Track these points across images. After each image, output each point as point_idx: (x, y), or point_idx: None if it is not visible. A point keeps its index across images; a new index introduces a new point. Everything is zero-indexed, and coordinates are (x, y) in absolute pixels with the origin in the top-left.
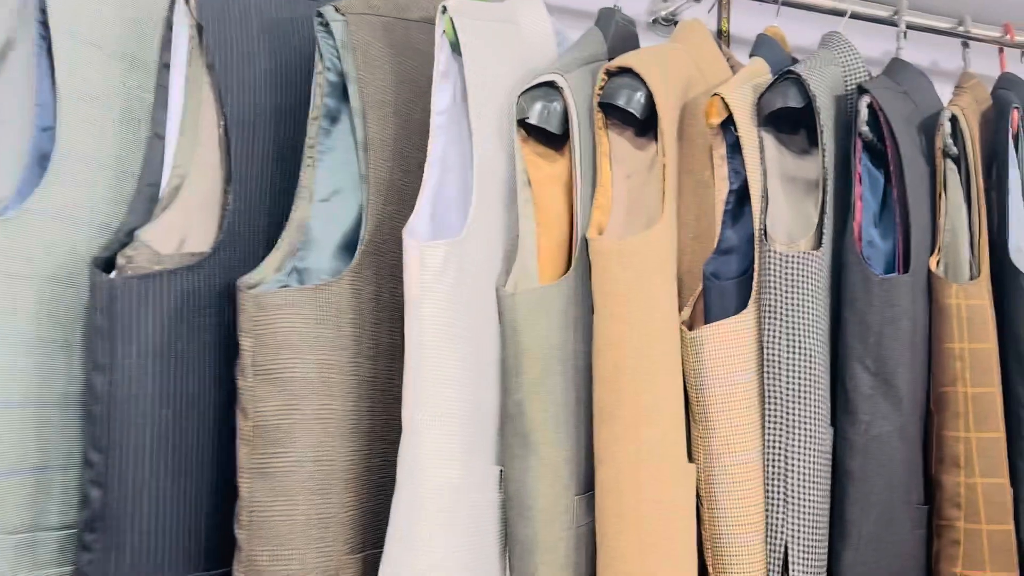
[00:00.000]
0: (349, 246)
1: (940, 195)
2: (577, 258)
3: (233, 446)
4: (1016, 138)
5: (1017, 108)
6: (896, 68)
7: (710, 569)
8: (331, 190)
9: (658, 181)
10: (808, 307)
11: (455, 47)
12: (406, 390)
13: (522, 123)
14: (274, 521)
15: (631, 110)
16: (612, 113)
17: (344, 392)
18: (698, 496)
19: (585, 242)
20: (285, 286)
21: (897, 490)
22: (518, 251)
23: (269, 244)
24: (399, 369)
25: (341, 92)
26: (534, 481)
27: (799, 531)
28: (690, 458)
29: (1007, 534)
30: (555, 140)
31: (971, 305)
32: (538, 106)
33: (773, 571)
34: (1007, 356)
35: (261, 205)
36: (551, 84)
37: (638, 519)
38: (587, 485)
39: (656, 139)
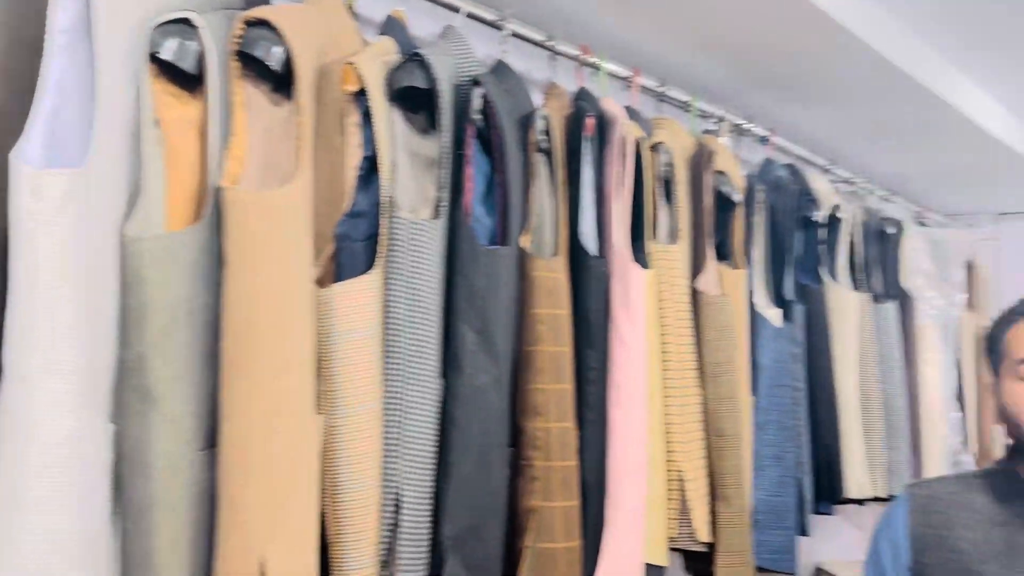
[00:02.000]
0: None
1: (532, 183)
2: (209, 207)
3: None
4: (590, 141)
5: (592, 116)
6: (501, 69)
7: (327, 516)
8: None
9: (295, 138)
10: (428, 271)
11: None
12: (10, 332)
13: (155, 58)
14: None
15: (269, 63)
16: (249, 64)
17: None
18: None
19: (219, 191)
20: None
21: (492, 435)
22: (142, 194)
23: None
24: None
25: None
26: (155, 437)
27: (411, 475)
28: (318, 410)
29: (572, 469)
30: (191, 81)
31: (552, 277)
32: (173, 42)
33: (386, 513)
34: (576, 321)
35: None
36: (187, 22)
37: (266, 471)
38: (212, 440)
39: (292, 97)
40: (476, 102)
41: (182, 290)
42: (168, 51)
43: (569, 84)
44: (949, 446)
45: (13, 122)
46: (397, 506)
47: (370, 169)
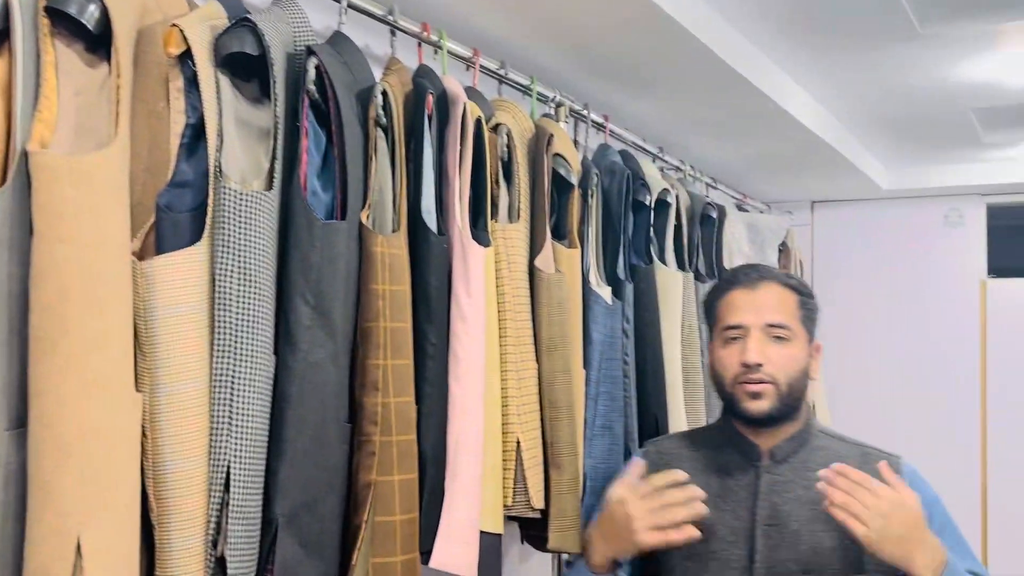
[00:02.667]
0: None
1: (372, 158)
2: (15, 172)
3: None
4: (430, 119)
5: (432, 94)
6: (338, 40)
7: (151, 497)
8: None
9: (111, 103)
10: (259, 243)
11: None
12: None
13: None
14: None
15: (84, 21)
16: (61, 22)
17: None
18: (143, 425)
19: (25, 155)
20: None
21: (329, 411)
22: None
23: None
24: None
25: None
26: None
27: (240, 452)
28: (137, 388)
29: (411, 443)
30: None
31: (392, 254)
32: None
33: (215, 492)
34: (416, 297)
35: None
36: None
37: (81, 451)
38: (20, 420)
39: (109, 58)
40: (311, 72)
41: None
42: None
43: (410, 61)
44: None
45: None
46: (227, 484)
47: (195, 137)
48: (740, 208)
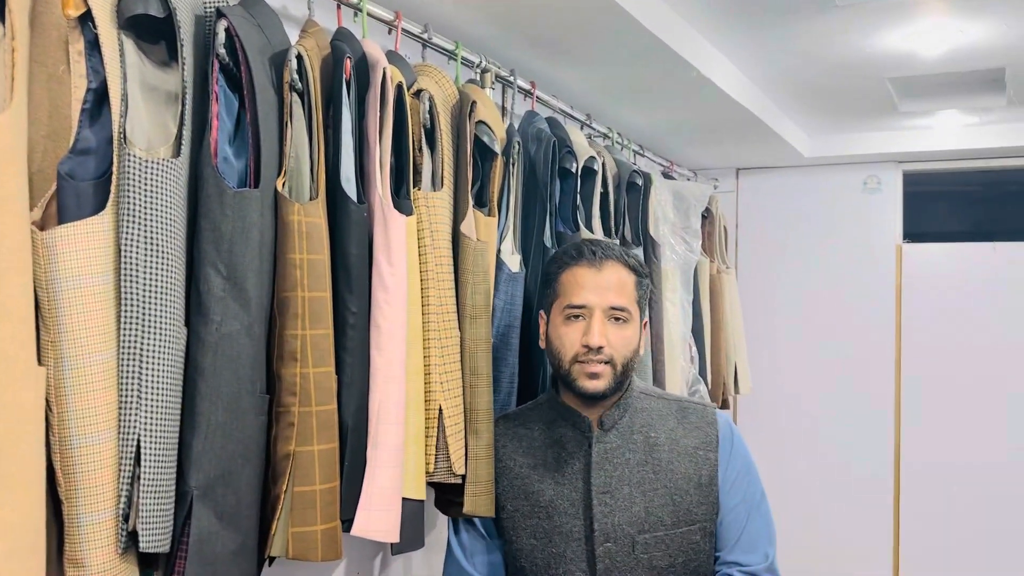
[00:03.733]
0: None
1: (287, 124)
2: None
3: None
4: (347, 83)
5: (350, 58)
6: (252, 2)
7: (58, 472)
8: None
9: (6, 66)
10: (167, 212)
11: None
12: None
13: None
14: None
15: None
16: None
17: None
18: (47, 400)
19: None
20: None
21: (244, 382)
22: None
23: None
24: None
25: None
26: None
27: (151, 426)
28: (40, 362)
29: (331, 412)
30: None
31: (309, 222)
32: None
33: (125, 466)
34: (336, 266)
35: None
36: None
37: None
38: None
39: (3, 20)
40: (220, 35)
41: None
42: None
43: (328, 23)
44: (686, 377)
45: None
46: (137, 458)
47: (98, 102)
48: (666, 175)
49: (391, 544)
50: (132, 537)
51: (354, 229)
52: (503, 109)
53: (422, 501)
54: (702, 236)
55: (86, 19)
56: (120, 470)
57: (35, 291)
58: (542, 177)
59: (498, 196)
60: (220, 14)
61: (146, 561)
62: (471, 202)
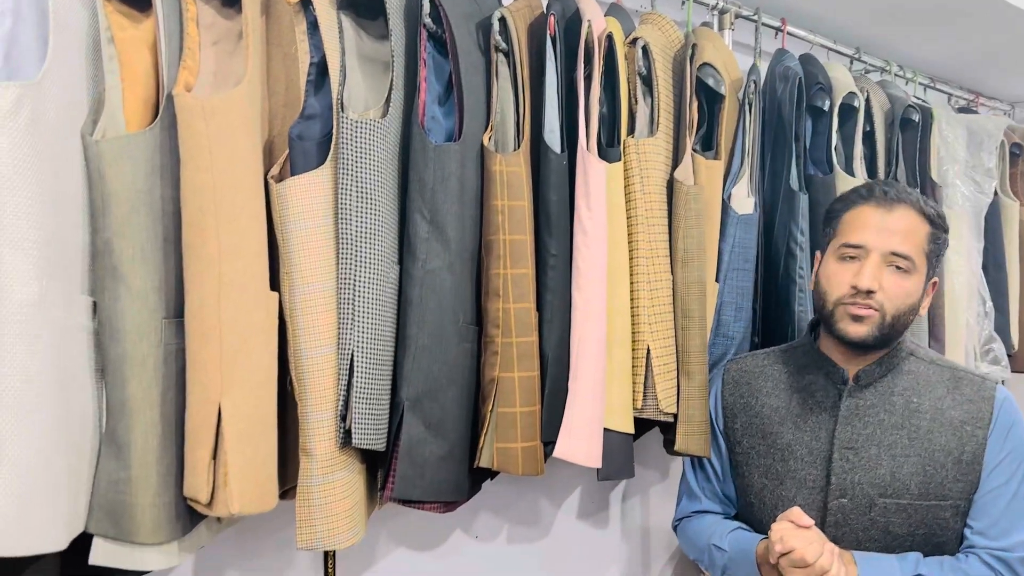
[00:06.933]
0: None
1: (493, 83)
2: (163, 112)
3: None
4: (553, 40)
5: (553, 15)
6: None
7: (292, 375)
8: None
9: (244, 49)
10: (374, 164)
11: None
12: None
13: None
14: None
15: None
16: None
17: None
18: (286, 319)
19: (171, 98)
20: None
21: (446, 312)
22: (104, 103)
23: None
24: None
25: None
26: (124, 307)
27: (363, 343)
28: (275, 288)
29: (531, 344)
30: (141, 2)
31: (511, 171)
32: None
33: (342, 375)
34: (538, 211)
35: None
36: None
37: (218, 336)
38: (177, 311)
39: (241, 11)
40: (426, 6)
41: (138, 183)
42: None
43: None
44: (974, 334)
45: None
46: (351, 369)
47: (320, 74)
48: (967, 110)
49: (597, 471)
50: (348, 435)
51: (554, 177)
52: (755, 50)
53: (629, 435)
54: (1010, 175)
55: (307, 3)
56: (339, 378)
57: (275, 231)
58: (787, 117)
59: (731, 139)
60: None
61: (369, 458)
62: (689, 146)
